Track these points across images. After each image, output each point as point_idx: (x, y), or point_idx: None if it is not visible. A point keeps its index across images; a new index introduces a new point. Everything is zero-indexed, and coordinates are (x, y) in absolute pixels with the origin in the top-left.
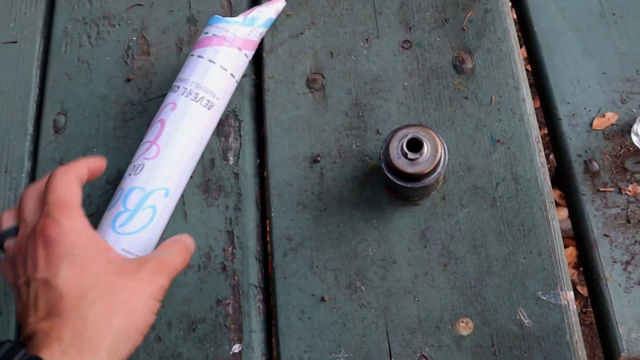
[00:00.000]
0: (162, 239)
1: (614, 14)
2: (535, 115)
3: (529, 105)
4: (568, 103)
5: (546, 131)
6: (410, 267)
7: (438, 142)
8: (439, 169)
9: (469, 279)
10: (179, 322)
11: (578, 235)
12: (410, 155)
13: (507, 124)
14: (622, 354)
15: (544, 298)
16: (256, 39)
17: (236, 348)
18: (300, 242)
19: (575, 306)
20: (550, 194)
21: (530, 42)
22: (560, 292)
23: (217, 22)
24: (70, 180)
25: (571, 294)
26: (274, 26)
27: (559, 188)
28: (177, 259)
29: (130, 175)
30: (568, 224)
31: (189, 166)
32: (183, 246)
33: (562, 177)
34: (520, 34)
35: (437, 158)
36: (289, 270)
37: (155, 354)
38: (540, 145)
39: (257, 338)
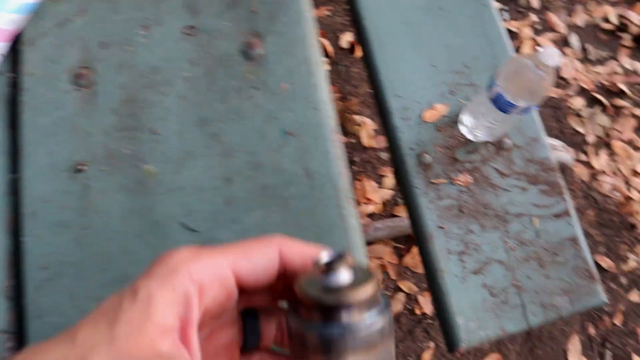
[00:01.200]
0: None
1: (441, 9)
2: (332, 103)
3: (324, 93)
4: (399, 97)
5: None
6: None
7: (374, 278)
8: (370, 316)
9: None
10: None
11: (415, 228)
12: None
13: (301, 114)
14: (462, 344)
15: None
16: (7, 26)
17: None
18: (58, 271)
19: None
20: (348, 189)
21: (362, 37)
22: None
23: None
24: None
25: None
26: (37, 13)
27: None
28: None
29: None
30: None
31: None
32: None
33: (396, 170)
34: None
35: (369, 291)
36: (45, 307)
37: None
38: (337, 136)
39: None
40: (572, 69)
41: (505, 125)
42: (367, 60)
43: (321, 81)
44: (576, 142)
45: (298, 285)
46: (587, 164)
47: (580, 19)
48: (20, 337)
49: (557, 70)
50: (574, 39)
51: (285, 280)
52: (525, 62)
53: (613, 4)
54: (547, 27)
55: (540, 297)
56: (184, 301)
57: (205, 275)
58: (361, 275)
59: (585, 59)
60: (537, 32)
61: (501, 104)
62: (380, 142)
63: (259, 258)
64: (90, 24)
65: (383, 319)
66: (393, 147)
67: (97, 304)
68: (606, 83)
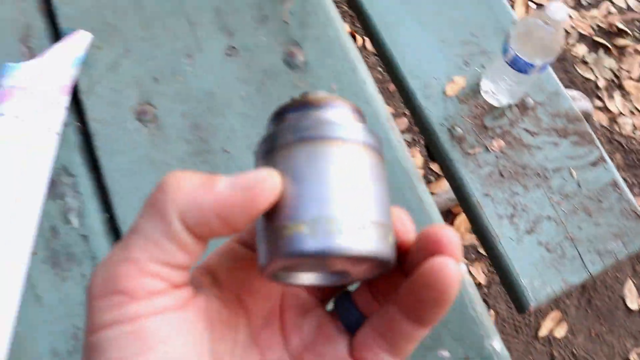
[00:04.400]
0: (18, 335)
1: None
2: (380, 93)
3: (371, 85)
4: (418, 77)
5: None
6: None
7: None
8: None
9: None
10: None
11: (461, 201)
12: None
13: None
14: (531, 304)
15: None
16: (67, 82)
17: None
18: None
19: (471, 281)
20: (416, 168)
21: (368, 25)
22: None
23: (11, 70)
24: None
25: (463, 268)
26: (86, 63)
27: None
28: None
29: None
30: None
31: (24, 246)
32: None
33: (432, 149)
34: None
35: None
36: None
37: None
38: (393, 124)
39: None
40: (567, 17)
41: (525, 85)
42: (378, 46)
43: (366, 76)
44: (588, 88)
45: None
46: (604, 109)
47: None
48: None
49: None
50: None
51: None
52: (534, 22)
53: None
54: None
55: (595, 245)
56: None
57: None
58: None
59: (578, 5)
60: None
61: (519, 66)
62: (401, 124)
63: None
64: (138, 62)
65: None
66: (424, 126)
67: None
68: (604, 25)
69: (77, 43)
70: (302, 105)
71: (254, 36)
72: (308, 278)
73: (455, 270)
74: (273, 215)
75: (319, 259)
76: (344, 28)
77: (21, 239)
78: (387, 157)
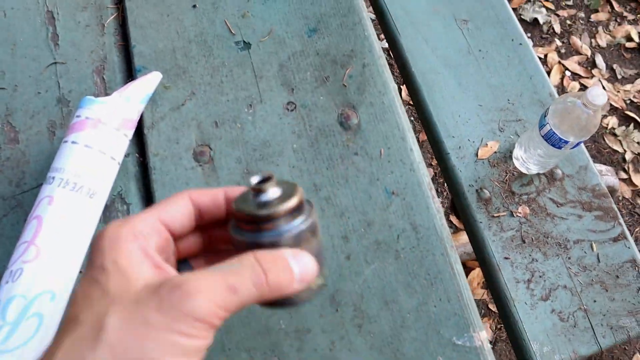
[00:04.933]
0: None
1: (480, 51)
2: (424, 162)
3: (417, 154)
4: (453, 137)
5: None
6: (325, 333)
7: (299, 191)
8: (297, 221)
9: (386, 336)
10: None
11: (481, 261)
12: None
13: (399, 175)
14: None
15: (459, 343)
16: (135, 116)
17: None
18: None
19: (489, 345)
20: (449, 238)
21: (410, 83)
22: (473, 334)
23: (89, 103)
24: None
25: (484, 333)
26: (153, 100)
27: (456, 215)
28: (243, 282)
29: (7, 282)
30: (470, 246)
31: (76, 262)
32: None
33: (458, 207)
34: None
35: (294, 202)
36: None
37: None
38: (433, 192)
39: None
40: (606, 101)
41: (556, 158)
42: (418, 105)
43: (413, 144)
44: (615, 160)
45: (234, 204)
46: (629, 181)
47: (603, 40)
48: None
49: (604, 107)
50: (600, 60)
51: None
52: (573, 102)
53: (633, 22)
54: (572, 50)
55: (608, 319)
56: (142, 246)
57: (143, 229)
58: (288, 189)
59: (613, 78)
60: (563, 55)
61: (553, 141)
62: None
63: (175, 207)
64: (201, 105)
65: (309, 221)
66: (453, 185)
67: (247, 354)
68: (636, 100)
69: (148, 82)
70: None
71: (314, 95)
72: None
73: None
74: None
75: None
76: (398, 97)
77: (77, 255)
78: (424, 224)
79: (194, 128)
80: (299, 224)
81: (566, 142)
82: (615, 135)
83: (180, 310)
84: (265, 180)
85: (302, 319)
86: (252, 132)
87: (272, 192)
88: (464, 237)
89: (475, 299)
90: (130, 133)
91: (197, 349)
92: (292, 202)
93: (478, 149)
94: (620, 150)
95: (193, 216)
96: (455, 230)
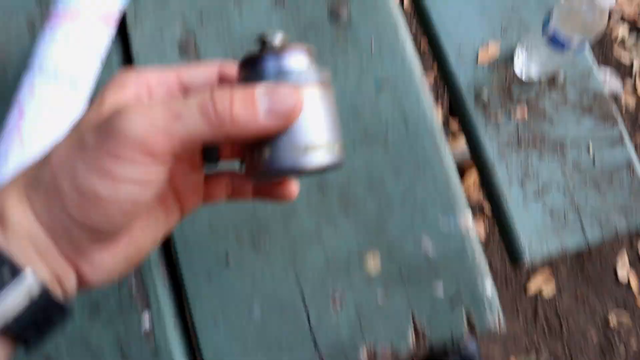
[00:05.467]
0: None
1: None
2: (417, 55)
3: (409, 46)
4: (452, 40)
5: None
6: (312, 215)
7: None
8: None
9: (371, 216)
10: (81, 306)
11: (477, 162)
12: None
13: (390, 67)
14: (525, 257)
15: (445, 223)
16: (115, 9)
17: (146, 322)
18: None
19: (474, 228)
20: (440, 130)
21: None
22: (458, 215)
23: None
24: None
25: (469, 216)
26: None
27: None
28: (189, 109)
29: None
30: (467, 154)
31: None
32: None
33: (456, 110)
34: None
35: (301, 45)
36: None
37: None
38: (425, 84)
39: (166, 309)
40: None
41: (559, 62)
42: (418, 6)
43: (406, 37)
44: (621, 70)
45: (246, 53)
46: (634, 92)
47: None
48: (169, 258)
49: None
50: None
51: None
52: (579, 3)
53: None
54: None
55: (597, 216)
56: (138, 94)
57: (151, 80)
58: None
59: None
60: None
61: (557, 43)
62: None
63: (200, 69)
64: (186, 1)
65: (317, 70)
66: (452, 87)
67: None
68: None
69: None
70: (267, 55)
71: None
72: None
73: None
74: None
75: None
76: None
77: None
78: (414, 114)
79: (179, 23)
80: (304, 64)
81: (569, 44)
82: (624, 45)
83: (113, 129)
84: (271, 33)
85: (288, 203)
86: (238, 27)
87: (279, 38)
88: (461, 141)
89: (470, 204)
90: (112, 28)
91: (133, 179)
92: (300, 45)
93: (478, 52)
94: (627, 60)
95: (214, 81)
96: (453, 135)
